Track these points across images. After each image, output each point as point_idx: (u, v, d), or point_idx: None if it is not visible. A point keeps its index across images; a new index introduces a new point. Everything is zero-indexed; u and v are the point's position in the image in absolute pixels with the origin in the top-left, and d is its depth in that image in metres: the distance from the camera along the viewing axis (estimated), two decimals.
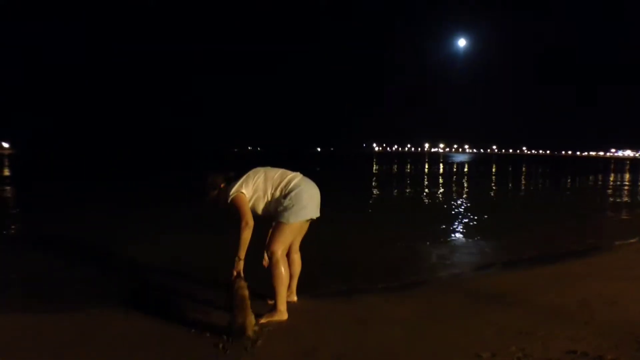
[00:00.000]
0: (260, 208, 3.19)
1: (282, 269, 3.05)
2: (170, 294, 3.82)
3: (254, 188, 3.17)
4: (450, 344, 2.67)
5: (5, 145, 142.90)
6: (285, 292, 3.12)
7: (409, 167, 34.95)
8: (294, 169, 3.34)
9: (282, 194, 3.11)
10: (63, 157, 52.96)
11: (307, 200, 3.09)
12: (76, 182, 18.12)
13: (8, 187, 15.06)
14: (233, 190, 3.12)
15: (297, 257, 3.43)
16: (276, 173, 3.23)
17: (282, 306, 3.08)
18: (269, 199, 3.15)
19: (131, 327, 3.00)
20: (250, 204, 3.15)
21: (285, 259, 3.14)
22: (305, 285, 3.56)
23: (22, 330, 2.92)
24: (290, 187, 3.11)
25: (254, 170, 3.26)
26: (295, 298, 3.47)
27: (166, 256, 5.13)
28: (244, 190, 3.14)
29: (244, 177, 3.20)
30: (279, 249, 3.05)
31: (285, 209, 3.05)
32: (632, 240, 6.36)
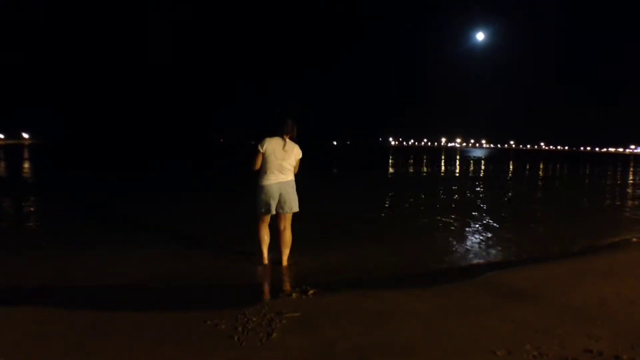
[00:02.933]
0: None
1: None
2: (184, 285, 3.88)
3: None
4: (467, 339, 2.67)
5: (25, 135, 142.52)
6: None
7: (425, 161, 34.67)
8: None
9: None
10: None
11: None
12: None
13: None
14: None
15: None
16: None
17: None
18: None
19: (146, 320, 2.95)
20: None
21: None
22: (322, 276, 3.56)
23: (34, 326, 2.82)
24: None
25: None
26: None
27: (177, 247, 5.18)
28: None
29: None
30: None
31: None
32: None
